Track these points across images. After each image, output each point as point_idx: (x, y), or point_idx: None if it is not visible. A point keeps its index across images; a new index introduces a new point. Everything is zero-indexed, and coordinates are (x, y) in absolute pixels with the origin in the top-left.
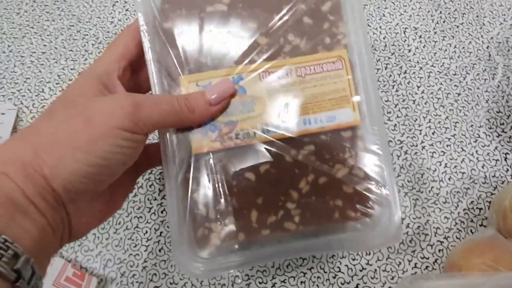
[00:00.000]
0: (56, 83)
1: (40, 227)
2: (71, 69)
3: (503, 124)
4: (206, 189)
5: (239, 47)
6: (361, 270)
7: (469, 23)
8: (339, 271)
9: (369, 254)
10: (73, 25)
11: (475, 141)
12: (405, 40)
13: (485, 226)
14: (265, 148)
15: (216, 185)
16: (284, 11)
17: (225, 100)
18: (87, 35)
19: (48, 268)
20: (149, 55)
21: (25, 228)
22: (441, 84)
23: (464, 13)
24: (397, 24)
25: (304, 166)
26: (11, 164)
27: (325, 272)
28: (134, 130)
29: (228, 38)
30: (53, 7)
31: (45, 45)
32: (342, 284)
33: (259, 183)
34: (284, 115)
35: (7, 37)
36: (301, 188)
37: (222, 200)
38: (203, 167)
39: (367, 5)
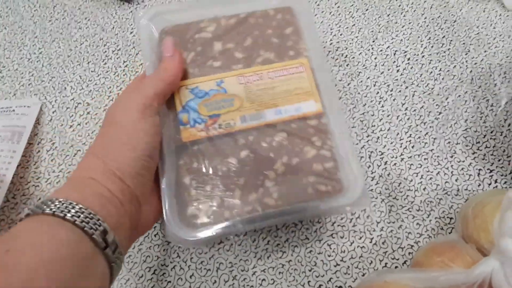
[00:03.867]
0: (77, 83)
1: (121, 213)
2: (92, 71)
3: (478, 142)
4: (195, 173)
5: (220, 60)
6: (335, 266)
7: (456, 49)
8: (315, 265)
9: (344, 252)
10: (97, 33)
11: (451, 157)
12: (394, 62)
13: None
14: (244, 137)
15: (204, 170)
16: (255, 34)
17: (176, 51)
18: (108, 42)
19: None
20: (149, 66)
21: (111, 213)
22: (424, 102)
23: (452, 40)
24: (388, 47)
25: (278, 150)
26: (94, 172)
27: (302, 265)
28: (154, 107)
29: (211, 55)
30: (81, 17)
31: (71, 50)
32: (317, 277)
33: (240, 167)
34: (259, 107)
35: (38, 40)
36: (276, 168)
37: (209, 182)
38: (192, 155)
39: (361, 28)
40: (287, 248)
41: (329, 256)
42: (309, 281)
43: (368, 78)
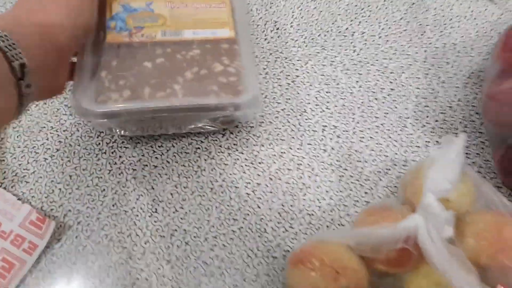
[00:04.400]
0: None
1: (41, 50)
2: None
3: (428, 116)
4: (111, 69)
5: None
6: (284, 232)
7: (412, 30)
8: (265, 231)
9: (293, 219)
10: None
11: (401, 130)
12: (352, 42)
13: None
14: (162, 48)
15: (120, 68)
16: None
17: None
18: None
19: (17, 212)
20: None
21: (30, 49)
22: (377, 80)
23: (409, 21)
24: (347, 28)
25: (191, 62)
26: (30, 18)
27: (252, 232)
28: None
29: None
30: None
31: None
32: (265, 242)
33: (154, 70)
34: (179, 27)
35: None
36: (186, 76)
37: (123, 78)
38: (113, 55)
39: (322, 11)
40: (239, 216)
41: (278, 223)
42: (257, 246)
43: (326, 58)
